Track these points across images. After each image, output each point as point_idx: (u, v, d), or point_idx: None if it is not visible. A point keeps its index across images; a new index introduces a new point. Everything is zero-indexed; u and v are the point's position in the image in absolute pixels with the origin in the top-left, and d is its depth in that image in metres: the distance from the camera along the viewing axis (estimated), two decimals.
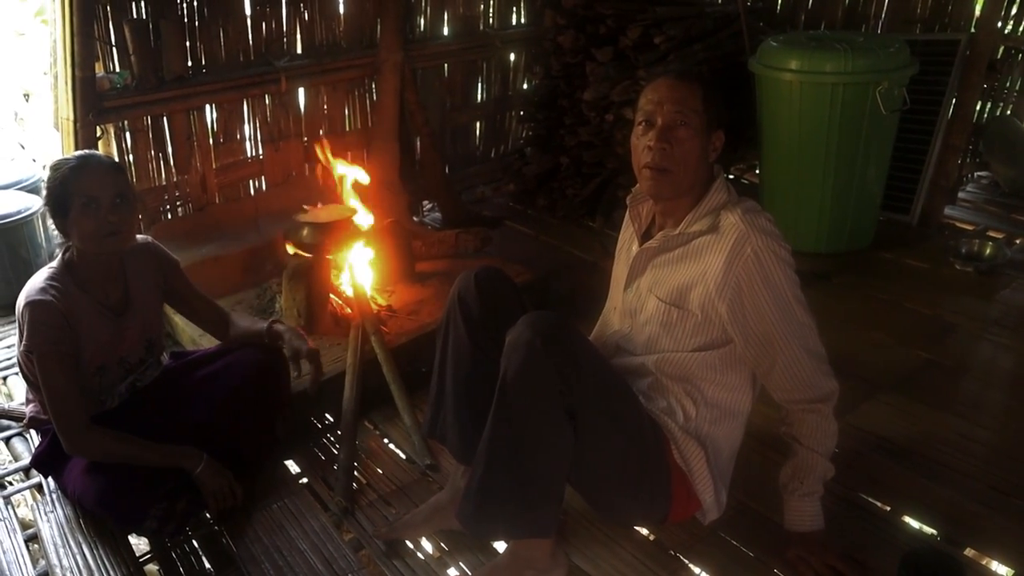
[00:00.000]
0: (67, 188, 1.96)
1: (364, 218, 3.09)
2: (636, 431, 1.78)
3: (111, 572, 1.99)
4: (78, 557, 2.03)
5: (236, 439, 2.25)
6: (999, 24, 3.83)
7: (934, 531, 2.04)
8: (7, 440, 2.63)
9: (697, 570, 1.93)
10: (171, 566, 2.06)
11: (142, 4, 3.20)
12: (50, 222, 4.07)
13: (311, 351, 2.33)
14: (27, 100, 6.58)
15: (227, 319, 2.42)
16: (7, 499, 2.33)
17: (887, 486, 2.19)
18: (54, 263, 2.08)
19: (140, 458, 2.06)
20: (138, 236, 2.23)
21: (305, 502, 2.22)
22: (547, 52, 4.26)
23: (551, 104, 4.23)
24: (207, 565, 2.06)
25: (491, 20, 4.51)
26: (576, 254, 3.81)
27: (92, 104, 2.99)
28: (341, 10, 3.83)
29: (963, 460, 2.28)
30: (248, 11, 3.53)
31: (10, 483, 2.42)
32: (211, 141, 3.56)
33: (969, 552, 1.97)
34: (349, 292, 2.95)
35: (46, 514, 2.19)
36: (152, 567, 2.09)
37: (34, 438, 2.58)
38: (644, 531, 2.04)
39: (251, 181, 3.77)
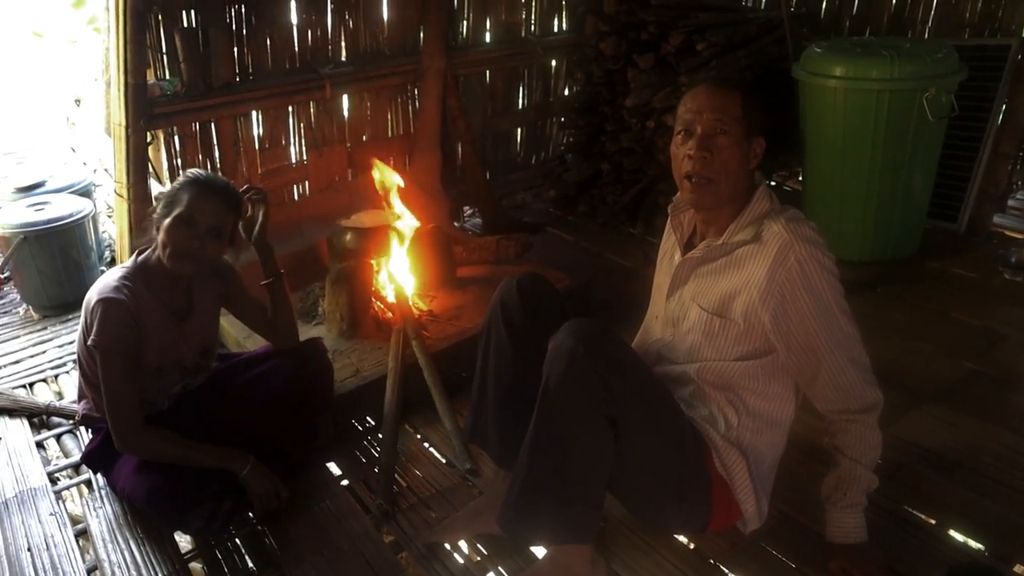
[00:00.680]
0: (181, 195, 2.05)
1: (407, 224, 3.11)
2: (677, 439, 1.77)
3: (157, 568, 2.03)
4: (125, 553, 2.08)
5: (279, 441, 2.29)
6: None
7: (981, 546, 2.00)
8: (58, 437, 2.69)
9: None
10: (215, 564, 2.09)
11: (192, 13, 3.27)
12: (102, 225, 4.19)
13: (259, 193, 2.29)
14: (78, 105, 6.75)
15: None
16: (58, 494, 2.39)
17: (932, 499, 2.15)
18: (127, 263, 2.15)
19: (189, 459, 2.11)
20: None
21: (346, 504, 2.25)
22: (588, 58, 4.27)
23: (592, 110, 4.23)
24: (250, 564, 2.09)
25: (533, 27, 4.53)
26: (617, 261, 3.81)
27: (143, 110, 3.06)
28: (385, 18, 3.88)
29: (1012, 474, 2.23)
30: (294, 19, 3.59)
31: (61, 479, 2.48)
32: (257, 147, 3.62)
33: (1019, 568, 1.93)
34: (391, 297, 2.97)
35: (95, 510, 2.25)
36: (196, 564, 2.13)
37: (84, 435, 2.65)
38: (684, 539, 2.03)
39: (295, 186, 3.83)
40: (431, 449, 2.51)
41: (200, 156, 3.45)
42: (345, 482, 2.37)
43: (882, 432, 1.80)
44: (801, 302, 1.69)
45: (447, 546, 2.06)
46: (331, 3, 3.66)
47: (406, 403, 2.61)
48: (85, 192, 4.03)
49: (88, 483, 2.41)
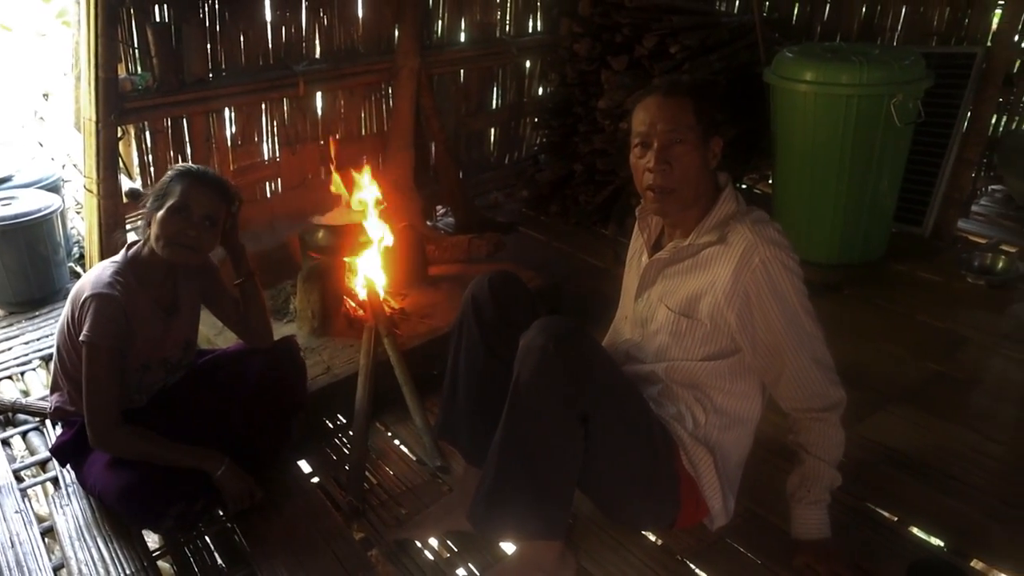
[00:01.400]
0: (172, 186, 2.04)
1: (378, 222, 3.11)
2: (646, 436, 1.79)
3: (125, 566, 2.02)
4: (93, 550, 2.07)
5: (252, 438, 2.28)
6: (1016, 38, 3.83)
7: (941, 542, 2.05)
8: (24, 434, 2.66)
9: None
10: (184, 562, 2.08)
11: (165, 8, 3.24)
12: (71, 221, 4.14)
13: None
14: (47, 99, 6.66)
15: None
16: (24, 492, 2.36)
17: (895, 496, 2.19)
18: (118, 257, 2.13)
19: (163, 457, 2.09)
20: None
21: (317, 501, 2.24)
22: (563, 60, 4.29)
23: (566, 111, 4.25)
24: (219, 562, 2.08)
25: (508, 27, 4.55)
26: (588, 260, 3.84)
27: (114, 105, 3.03)
28: (360, 16, 3.87)
29: (972, 472, 2.28)
30: (268, 16, 3.57)
31: (26, 477, 2.45)
32: (229, 143, 3.60)
33: (976, 564, 1.98)
34: (363, 295, 2.97)
35: (62, 507, 2.23)
36: (165, 563, 2.11)
37: (50, 432, 2.62)
38: (652, 536, 2.05)
39: (268, 183, 3.81)
40: (402, 447, 2.51)
41: (172, 152, 3.43)
42: (315, 479, 2.37)
43: (848, 431, 1.84)
44: (766, 303, 1.72)
45: (417, 543, 2.07)
46: (306, 0, 3.65)
47: (377, 401, 2.60)
48: (53, 187, 3.98)
49: (55, 481, 2.39)
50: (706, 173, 1.79)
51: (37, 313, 3.52)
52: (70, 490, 2.29)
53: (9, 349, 3.22)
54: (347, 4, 3.80)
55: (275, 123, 3.71)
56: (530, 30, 4.68)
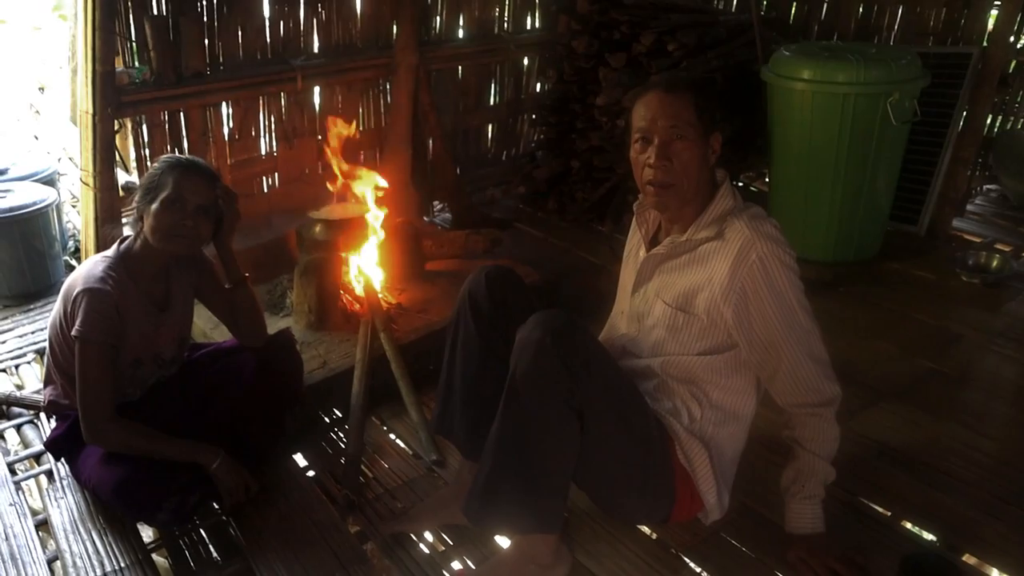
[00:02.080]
0: (163, 179, 2.03)
1: (376, 216, 3.11)
2: (642, 431, 1.80)
3: (120, 559, 2.02)
4: (87, 543, 2.07)
5: (248, 432, 2.28)
6: (1011, 39, 3.85)
7: (934, 537, 2.06)
8: (18, 428, 2.65)
9: (698, 569, 1.95)
10: (179, 555, 2.09)
11: (163, 1, 3.24)
12: (66, 214, 4.14)
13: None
14: (43, 93, 6.64)
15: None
16: (18, 485, 2.36)
17: (888, 492, 2.20)
18: (110, 252, 2.13)
19: (158, 451, 2.09)
20: None
21: (312, 495, 2.25)
22: (561, 56, 4.29)
23: (563, 108, 4.26)
24: (214, 554, 2.08)
25: (506, 24, 4.54)
26: (585, 257, 3.84)
27: (111, 98, 3.03)
28: (358, 11, 3.87)
29: (965, 468, 2.30)
30: (267, 10, 3.57)
31: (20, 470, 2.45)
32: (226, 137, 3.60)
33: (968, 559, 1.99)
34: (359, 289, 2.98)
35: (56, 500, 2.23)
36: (160, 557, 2.11)
37: (45, 425, 2.62)
38: (647, 530, 2.06)
39: (265, 178, 3.81)
40: (397, 441, 2.52)
41: (168, 146, 3.42)
42: (311, 473, 2.38)
43: (841, 427, 1.85)
44: (763, 299, 1.73)
45: (413, 536, 2.07)
46: None
47: (373, 395, 2.60)
48: (49, 181, 3.97)
49: (49, 474, 2.38)
50: (705, 169, 1.80)
51: (32, 306, 3.52)
52: (64, 483, 2.29)
53: (3, 342, 3.21)
54: None
55: (273, 118, 3.71)
56: (528, 27, 4.67)
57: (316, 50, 3.79)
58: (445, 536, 2.06)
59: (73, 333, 2.00)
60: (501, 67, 4.61)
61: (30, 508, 2.27)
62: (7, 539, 2.11)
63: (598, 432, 1.74)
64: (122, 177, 3.18)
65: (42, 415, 2.65)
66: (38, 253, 3.59)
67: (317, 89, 3.83)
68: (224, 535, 2.14)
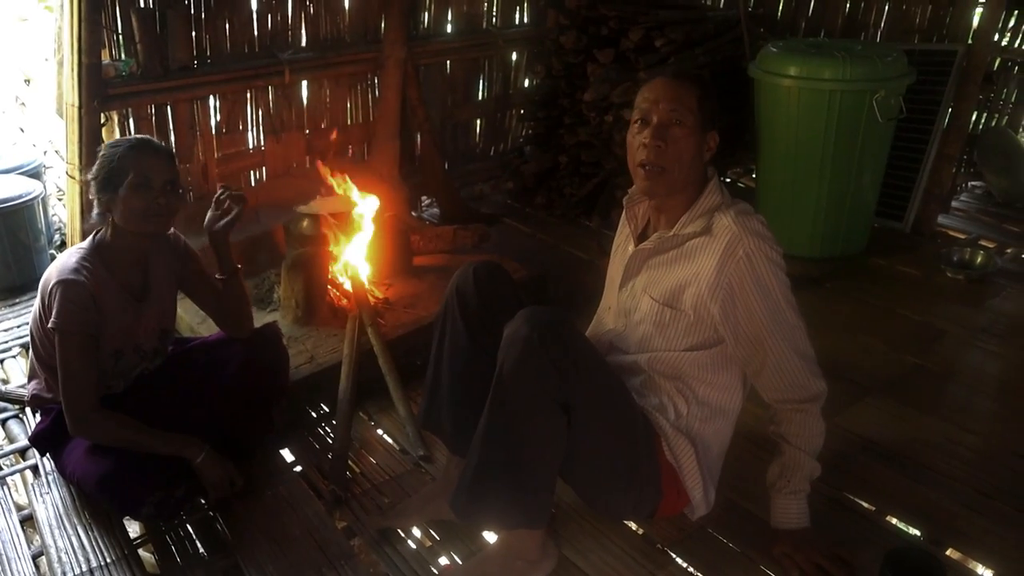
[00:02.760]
0: (123, 164, 2.00)
1: (364, 209, 3.11)
2: (628, 427, 1.81)
3: (106, 554, 2.01)
4: (73, 539, 2.06)
5: (234, 427, 2.27)
6: (996, 36, 3.88)
7: (917, 531, 2.08)
8: (3, 422, 2.64)
9: (684, 565, 1.96)
10: (165, 550, 2.08)
11: None
12: (52, 208, 4.10)
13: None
14: (28, 85, 6.58)
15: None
16: (2, 480, 2.34)
17: (873, 487, 2.22)
18: (84, 244, 2.11)
19: (143, 444, 2.08)
20: None
21: (299, 490, 2.24)
22: (549, 52, 4.29)
23: (551, 103, 4.26)
24: (201, 549, 2.08)
25: (494, 19, 4.54)
26: (573, 253, 3.85)
27: (97, 91, 3.01)
28: (346, 5, 3.86)
29: (948, 463, 2.32)
30: (254, 3, 3.55)
31: (5, 465, 2.44)
32: (214, 131, 3.58)
33: (951, 553, 2.01)
34: (347, 284, 2.97)
35: (41, 495, 2.21)
36: (147, 552, 2.11)
37: (30, 420, 2.60)
38: (633, 525, 2.07)
39: (252, 172, 3.79)
40: (385, 436, 2.52)
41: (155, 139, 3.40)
42: (298, 468, 2.37)
43: (827, 422, 1.86)
44: (749, 294, 1.74)
45: (400, 532, 2.08)
46: None
47: (361, 390, 2.60)
48: (35, 174, 3.95)
49: (34, 469, 2.37)
50: (698, 163, 1.81)
51: (17, 300, 3.49)
52: (50, 478, 2.28)
53: None
54: None
55: (260, 111, 3.69)
56: (517, 22, 4.67)
57: (304, 44, 3.78)
58: (432, 531, 2.07)
59: (50, 325, 1.99)
60: (489, 62, 4.60)
61: (15, 503, 2.26)
62: None
63: (585, 428, 1.74)
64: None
65: (27, 410, 2.64)
66: (24, 246, 3.57)
67: (305, 83, 3.81)
68: (211, 530, 2.14)
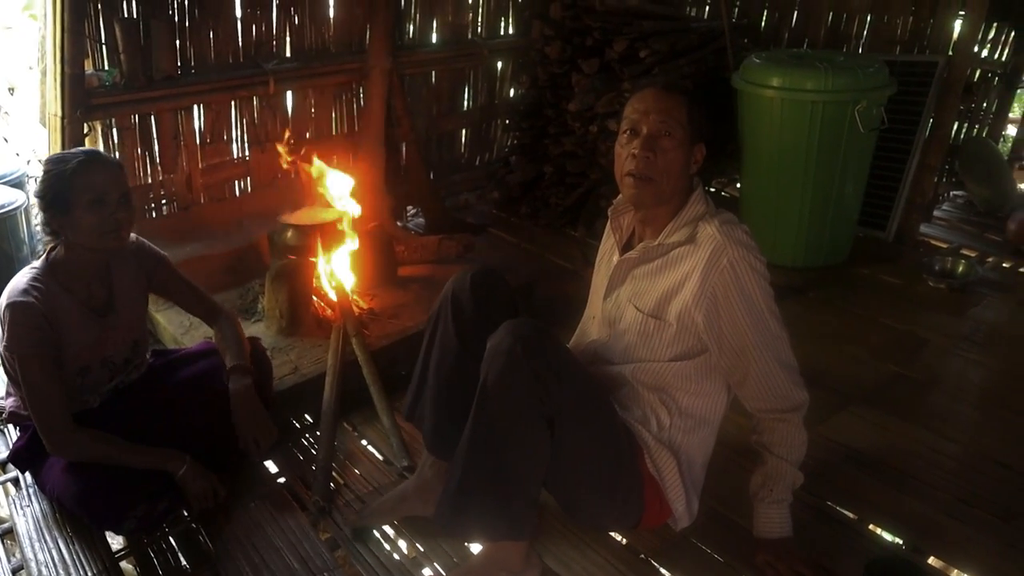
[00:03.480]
0: (72, 184, 1.95)
1: (349, 220, 3.11)
2: (612, 439, 1.81)
3: (87, 568, 1.99)
4: (53, 552, 2.04)
5: (217, 439, 2.26)
6: (976, 48, 3.92)
7: (900, 540, 2.09)
8: None
9: (667, 574, 1.96)
10: (147, 563, 2.06)
11: (133, 3, 3.21)
12: (35, 217, 4.07)
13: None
14: (12, 94, 6.55)
15: (216, 319, 2.41)
16: None
17: (855, 495, 2.23)
18: (37, 263, 2.07)
19: (122, 459, 2.06)
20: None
21: (283, 501, 2.23)
22: (534, 62, 4.31)
23: (536, 114, 4.27)
24: (183, 562, 2.06)
25: (479, 29, 4.55)
26: (558, 262, 3.85)
27: (80, 101, 3.00)
28: (331, 15, 3.86)
29: (930, 472, 2.33)
30: (238, 13, 3.55)
31: None
32: (198, 141, 3.57)
33: (933, 561, 2.02)
34: (331, 294, 2.97)
35: (22, 508, 2.19)
36: (129, 565, 2.09)
37: (12, 432, 2.58)
38: (616, 535, 2.07)
39: (237, 182, 3.78)
40: (369, 447, 2.51)
41: (139, 149, 3.40)
42: (282, 479, 2.36)
43: (809, 432, 1.87)
44: (733, 304, 1.75)
45: (375, 531, 2.08)
46: None
47: (345, 401, 2.60)
48: (17, 183, 3.92)
49: (15, 481, 2.35)
50: (685, 174, 1.82)
51: None
52: (31, 491, 2.26)
53: None
54: (318, 3, 3.79)
55: (245, 122, 3.69)
56: (502, 32, 4.69)
57: (289, 54, 3.78)
58: (416, 543, 2.06)
59: (4, 348, 1.97)
60: (475, 72, 4.62)
61: None
62: None
63: (568, 440, 1.74)
64: None
65: (8, 424, 2.61)
66: (6, 256, 3.53)
67: (290, 93, 3.81)
68: (193, 543, 2.12)
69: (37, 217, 3.97)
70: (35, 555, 2.03)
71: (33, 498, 2.23)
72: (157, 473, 2.09)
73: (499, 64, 4.72)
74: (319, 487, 2.25)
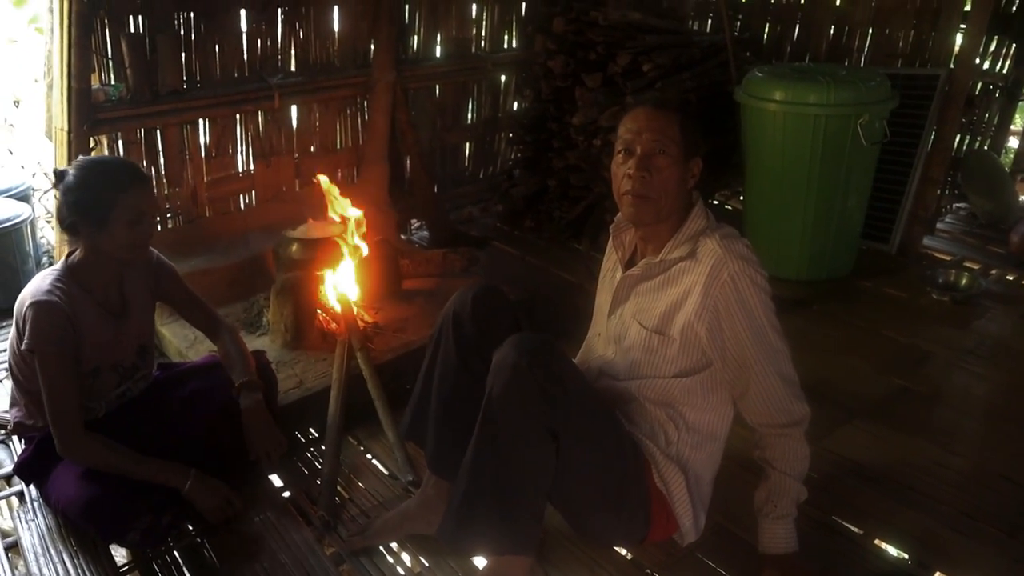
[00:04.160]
0: (117, 201, 2.00)
1: (353, 236, 3.12)
2: (617, 453, 1.81)
3: None
4: (58, 566, 2.04)
5: (222, 453, 2.27)
6: (977, 60, 3.93)
7: (905, 555, 2.09)
8: None
9: None
10: None
11: (140, 18, 3.24)
12: (40, 230, 4.08)
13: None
14: (17, 106, 6.58)
15: (218, 332, 2.43)
16: None
17: (861, 510, 2.23)
18: (57, 266, 2.12)
19: (129, 470, 2.07)
20: None
21: (288, 516, 2.23)
22: (537, 76, 4.32)
23: (540, 127, 4.28)
24: None
25: (483, 43, 4.58)
26: (561, 276, 3.86)
27: (87, 115, 3.02)
28: (336, 29, 3.88)
29: (935, 486, 2.33)
30: (244, 27, 3.57)
31: None
32: (203, 155, 3.59)
33: None
34: (336, 308, 2.97)
35: (27, 522, 2.20)
36: None
37: (16, 446, 2.58)
38: (622, 550, 2.07)
39: (242, 196, 3.80)
40: (374, 461, 2.51)
41: (144, 163, 3.41)
42: (287, 494, 2.36)
43: (814, 445, 1.87)
44: (734, 317, 1.75)
45: (387, 555, 2.07)
46: (281, 13, 3.66)
47: (350, 415, 2.60)
48: (23, 196, 3.94)
49: (20, 495, 2.35)
50: (683, 191, 1.82)
51: (5, 323, 3.47)
52: (35, 504, 2.26)
53: None
54: (323, 17, 3.82)
55: (250, 135, 3.71)
56: (505, 46, 4.71)
57: (293, 68, 3.80)
58: (421, 558, 2.06)
59: (25, 347, 1.99)
60: (478, 86, 4.64)
61: (0, 530, 2.24)
62: None
63: (573, 454, 1.75)
64: None
65: (14, 436, 2.62)
66: (11, 269, 3.55)
67: (294, 107, 3.83)
68: (198, 557, 2.12)
69: (42, 229, 3.98)
70: (40, 569, 2.03)
71: (38, 512, 2.23)
72: (162, 486, 2.10)
73: (503, 78, 4.74)
74: (324, 501, 2.25)
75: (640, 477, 1.85)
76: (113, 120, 3.20)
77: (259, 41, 3.64)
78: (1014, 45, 4.35)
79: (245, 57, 3.62)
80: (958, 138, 4.20)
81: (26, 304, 2.01)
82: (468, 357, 1.98)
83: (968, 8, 3.88)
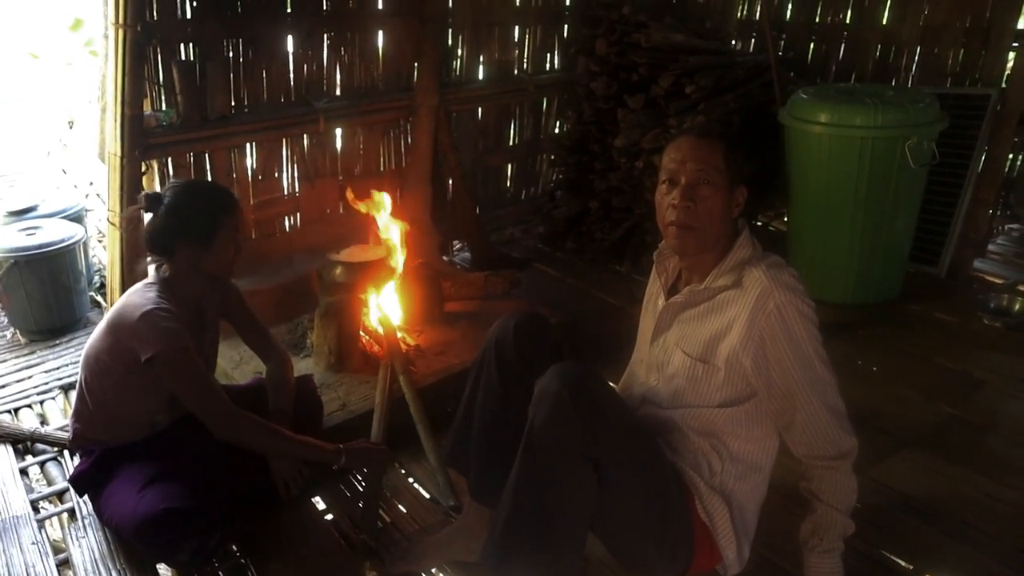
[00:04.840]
0: (220, 221, 2.17)
1: (396, 259, 3.15)
2: (660, 483, 1.79)
3: None
4: None
5: (267, 471, 2.29)
6: None
7: None
8: (42, 464, 2.68)
9: None
10: None
11: (190, 45, 3.31)
12: (92, 250, 4.18)
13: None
14: (71, 127, 6.78)
15: (270, 356, 2.51)
16: (41, 523, 2.38)
17: (910, 544, 2.18)
18: (151, 280, 2.23)
19: (282, 449, 2.21)
20: None
21: (330, 539, 2.25)
22: (579, 97, 4.34)
23: (582, 148, 4.30)
24: None
25: (525, 65, 4.60)
26: (603, 298, 3.85)
27: (138, 141, 3.10)
28: (380, 53, 3.94)
29: (988, 520, 2.27)
30: (290, 53, 3.64)
31: (44, 507, 2.47)
32: (250, 178, 3.65)
33: None
34: (379, 331, 3.00)
35: (78, 539, 2.25)
36: None
37: (68, 462, 2.64)
38: None
39: (287, 218, 3.85)
40: (415, 484, 2.52)
41: None
42: (329, 516, 2.38)
43: (861, 476, 1.83)
44: (780, 348, 1.73)
45: (422, 574, 2.09)
46: (327, 38, 3.72)
47: (392, 438, 2.61)
48: (77, 217, 4.05)
49: (71, 512, 2.41)
50: (728, 219, 1.81)
51: (58, 341, 3.57)
52: (86, 522, 2.31)
53: (29, 377, 3.25)
54: (367, 42, 3.87)
55: (295, 158, 3.77)
56: (547, 68, 4.74)
57: (338, 92, 3.86)
58: None
59: (151, 354, 2.05)
60: (520, 107, 4.67)
61: (52, 546, 2.29)
62: None
63: (615, 484, 1.74)
64: (147, 217, 3.22)
65: (66, 452, 2.68)
66: (65, 289, 3.65)
67: (339, 130, 3.88)
68: None
69: (94, 249, 4.08)
70: None
71: (89, 529, 2.28)
72: (211, 507, 2.13)
73: (545, 99, 4.76)
74: (367, 525, 2.26)
75: (683, 507, 1.83)
76: (164, 145, 3.27)
77: (305, 66, 3.70)
78: None
79: (291, 82, 3.68)
80: (1010, 158, 4.11)
81: (137, 315, 2.08)
82: (510, 385, 1.98)
83: (1021, 26, 3.81)
